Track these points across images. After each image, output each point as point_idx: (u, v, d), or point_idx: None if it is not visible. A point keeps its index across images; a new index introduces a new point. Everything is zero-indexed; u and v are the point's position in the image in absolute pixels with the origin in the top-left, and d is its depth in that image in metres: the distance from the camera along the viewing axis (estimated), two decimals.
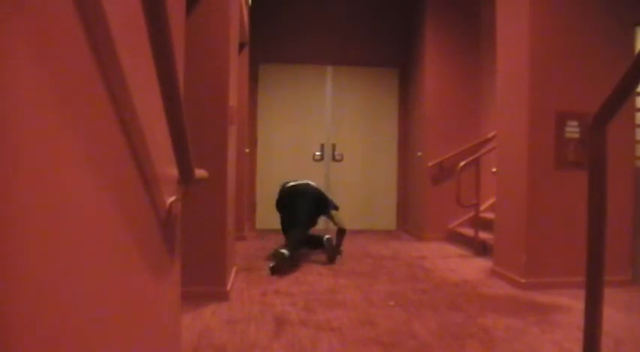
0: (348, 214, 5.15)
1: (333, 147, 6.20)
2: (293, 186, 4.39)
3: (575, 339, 2.14)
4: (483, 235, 4.43)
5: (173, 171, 1.37)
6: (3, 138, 0.53)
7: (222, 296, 2.77)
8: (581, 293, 1.42)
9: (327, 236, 4.02)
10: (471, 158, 4.69)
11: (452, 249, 4.83)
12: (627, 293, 3.03)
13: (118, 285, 0.93)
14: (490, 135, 5.07)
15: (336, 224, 4.24)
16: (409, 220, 6.04)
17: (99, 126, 0.82)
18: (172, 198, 1.33)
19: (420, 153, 5.59)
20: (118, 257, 0.93)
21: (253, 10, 5.15)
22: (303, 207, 4.18)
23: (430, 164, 5.37)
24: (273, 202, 4.49)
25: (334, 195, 5.23)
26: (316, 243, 4.06)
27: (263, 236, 5.41)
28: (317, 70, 6.20)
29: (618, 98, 1.28)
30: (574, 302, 2.74)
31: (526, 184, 3.16)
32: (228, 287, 2.85)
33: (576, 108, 3.16)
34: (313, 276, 3.46)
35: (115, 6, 0.87)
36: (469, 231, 4.85)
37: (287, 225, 4.20)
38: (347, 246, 4.72)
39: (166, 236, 1.32)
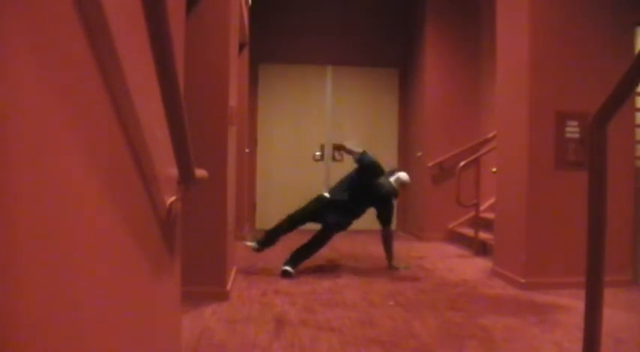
0: None
1: (334, 147, 6.19)
2: None
3: (575, 339, 2.14)
4: (483, 235, 4.43)
5: (173, 171, 1.37)
6: (3, 138, 0.53)
7: (222, 296, 2.77)
8: (581, 293, 1.42)
9: None
10: (471, 158, 4.69)
11: (452, 249, 4.83)
12: (627, 293, 3.02)
13: (117, 285, 0.93)
14: (490, 135, 5.06)
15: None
16: (409, 220, 6.04)
17: (99, 126, 0.82)
18: (172, 198, 1.33)
19: (419, 153, 5.59)
20: (118, 257, 0.93)
21: (253, 10, 5.14)
22: None
23: (430, 164, 5.37)
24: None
25: None
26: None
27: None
28: (317, 70, 6.20)
29: (618, 98, 1.28)
30: (574, 302, 2.74)
31: (526, 184, 3.16)
32: (228, 287, 2.85)
33: (576, 108, 3.16)
34: (313, 276, 3.46)
35: (115, 6, 0.87)
36: (469, 231, 4.85)
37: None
38: (347, 245, 4.73)
39: (166, 236, 1.32)
